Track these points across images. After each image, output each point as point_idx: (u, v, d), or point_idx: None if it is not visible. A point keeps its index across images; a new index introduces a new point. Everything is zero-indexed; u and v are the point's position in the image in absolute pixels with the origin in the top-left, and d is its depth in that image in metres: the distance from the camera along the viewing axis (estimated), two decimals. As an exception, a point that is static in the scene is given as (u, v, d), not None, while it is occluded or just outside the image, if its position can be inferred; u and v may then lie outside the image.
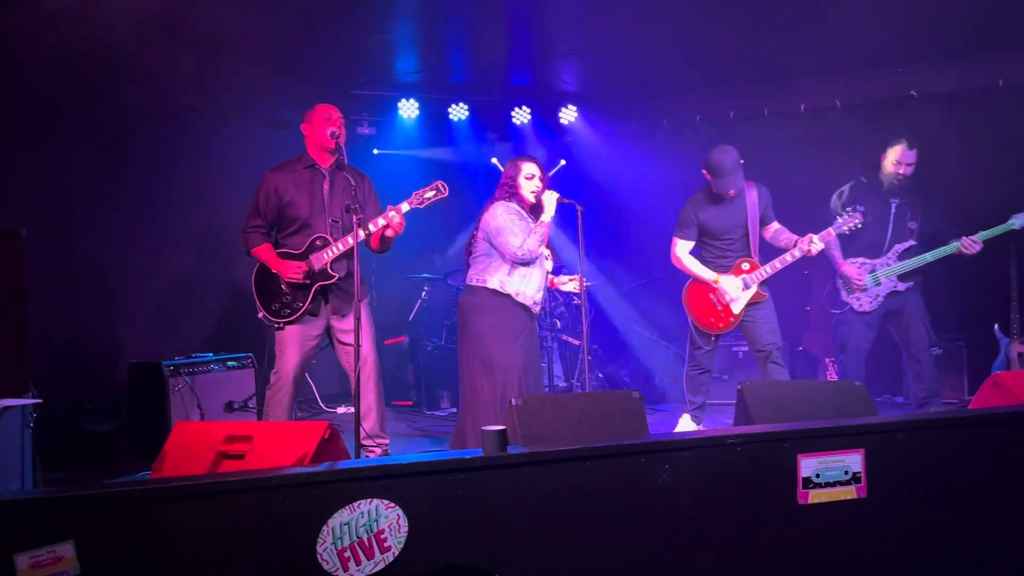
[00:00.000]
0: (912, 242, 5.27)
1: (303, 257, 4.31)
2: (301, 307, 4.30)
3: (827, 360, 5.93)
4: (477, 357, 4.28)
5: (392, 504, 2.07)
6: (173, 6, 5.41)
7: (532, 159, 4.51)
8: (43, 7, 4.91)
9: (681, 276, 5.25)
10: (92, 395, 5.39)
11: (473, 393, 4.26)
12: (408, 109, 7.85)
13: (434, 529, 2.12)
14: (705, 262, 5.11)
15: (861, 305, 5.29)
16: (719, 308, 5.02)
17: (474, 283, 4.37)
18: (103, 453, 5.10)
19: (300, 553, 1.99)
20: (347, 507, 2.03)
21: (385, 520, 2.06)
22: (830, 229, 4.97)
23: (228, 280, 6.50)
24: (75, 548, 1.85)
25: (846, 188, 5.42)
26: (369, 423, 4.35)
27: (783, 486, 2.44)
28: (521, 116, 8.08)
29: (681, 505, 2.36)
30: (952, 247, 5.12)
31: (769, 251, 5.12)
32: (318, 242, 4.32)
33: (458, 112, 7.96)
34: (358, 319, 3.85)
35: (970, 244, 5.06)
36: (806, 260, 5.09)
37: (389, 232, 4.29)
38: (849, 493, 2.48)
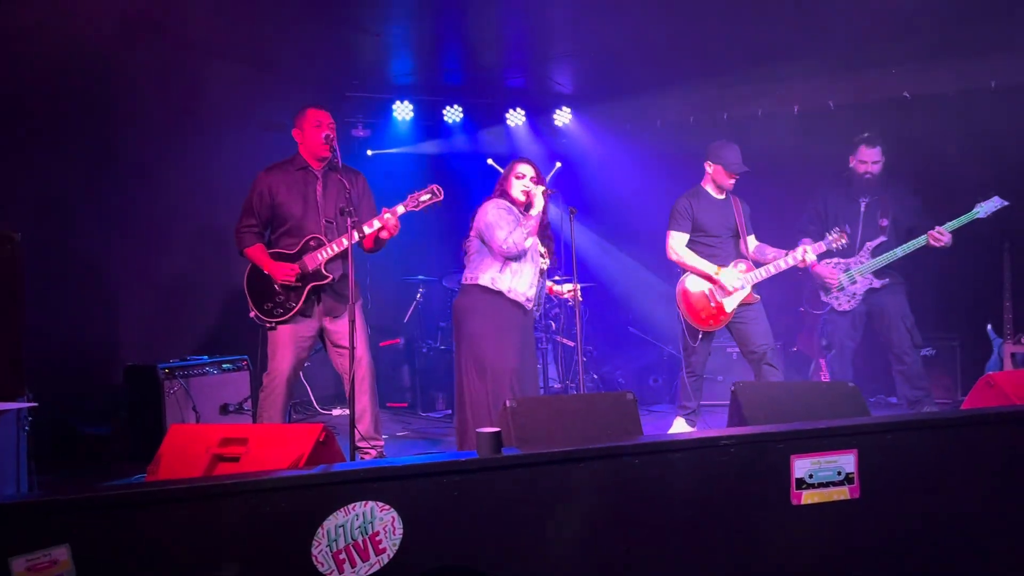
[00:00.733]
0: (883, 238, 5.31)
1: (297, 258, 4.31)
2: (294, 307, 4.30)
3: (820, 361, 5.94)
4: (471, 359, 4.29)
5: (387, 506, 2.07)
6: (166, 9, 5.42)
7: (527, 160, 4.54)
8: (35, 11, 4.91)
9: (674, 276, 5.24)
10: (87, 398, 5.39)
11: (469, 395, 4.27)
12: (402, 111, 7.86)
13: (429, 531, 2.12)
14: None
15: (840, 304, 5.34)
16: (712, 305, 5.02)
17: (467, 281, 4.39)
18: (98, 456, 5.10)
19: (295, 555, 2.00)
20: (342, 509, 2.03)
21: (380, 522, 2.07)
22: (821, 244, 5.05)
23: (223, 282, 6.48)
24: (71, 551, 1.85)
25: (818, 194, 5.53)
26: (364, 425, 4.35)
27: (777, 487, 2.45)
28: (515, 118, 8.09)
29: (675, 506, 2.37)
30: (921, 240, 5.16)
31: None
32: (312, 243, 4.32)
33: (452, 114, 7.97)
34: (352, 321, 3.85)
35: (938, 236, 5.10)
36: (803, 266, 5.12)
37: (384, 234, 4.30)
38: (842, 493, 2.50)
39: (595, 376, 7.19)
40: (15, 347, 3.78)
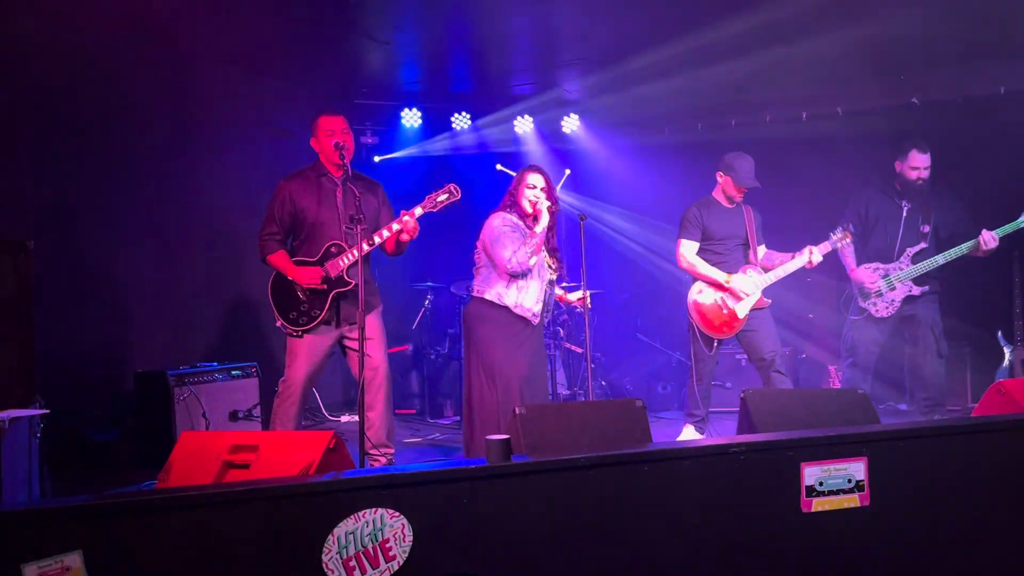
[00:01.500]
0: (924, 245, 5.25)
1: (319, 264, 4.33)
2: (319, 315, 4.30)
3: (831, 367, 5.92)
4: (480, 366, 4.30)
5: (397, 513, 2.08)
6: (174, 17, 5.45)
7: (538, 170, 4.53)
8: (44, 18, 4.95)
9: (683, 283, 5.23)
10: (98, 404, 5.42)
11: (478, 402, 4.28)
12: (411, 118, 7.89)
13: (439, 538, 2.12)
14: None
15: (878, 311, 5.28)
16: (724, 312, 5.01)
17: (475, 294, 4.42)
18: (108, 462, 5.13)
19: (306, 563, 2.00)
20: (352, 516, 2.04)
21: (390, 529, 2.07)
22: (826, 244, 5.01)
23: (233, 289, 6.52)
24: (83, 558, 1.86)
25: (860, 194, 5.44)
26: (377, 433, 4.35)
27: (787, 495, 2.44)
28: (523, 125, 8.11)
29: (685, 514, 2.37)
30: (969, 245, 5.10)
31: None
32: (333, 249, 4.33)
33: (460, 121, 8.00)
34: (362, 328, 3.85)
35: (989, 239, 5.05)
36: (810, 268, 5.10)
37: (404, 236, 4.31)
38: (852, 501, 2.49)
39: (603, 383, 7.18)
40: (26, 354, 3.80)
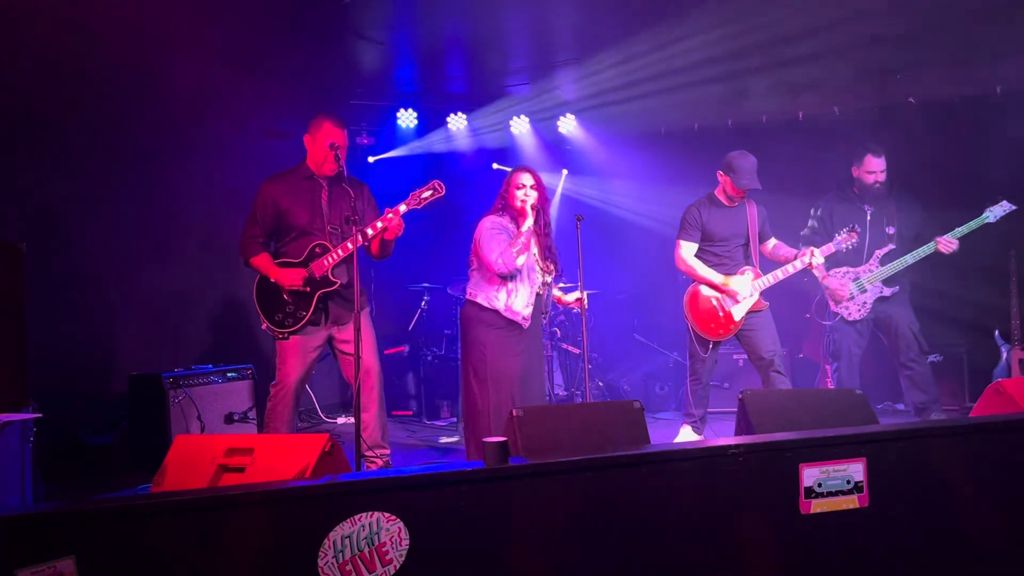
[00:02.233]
0: (891, 246, 5.29)
1: (303, 265, 4.31)
2: (304, 316, 4.30)
3: (827, 367, 5.91)
4: (474, 367, 4.32)
5: (393, 517, 2.06)
6: (170, 15, 5.43)
7: (527, 169, 4.53)
8: (37, 19, 4.92)
9: (680, 283, 5.22)
10: (92, 408, 5.39)
11: (473, 404, 4.29)
12: (407, 119, 7.88)
13: (436, 541, 2.11)
14: None
15: (850, 314, 5.31)
16: (720, 315, 5.00)
17: (468, 297, 4.47)
18: (103, 466, 5.09)
19: (302, 567, 1.98)
20: (348, 520, 2.02)
21: (387, 533, 2.05)
22: (829, 245, 5.02)
23: (227, 291, 6.49)
24: (76, 563, 1.84)
25: (821, 203, 5.52)
26: (370, 434, 4.34)
27: (785, 496, 2.43)
28: (520, 125, 8.09)
29: (684, 515, 2.36)
30: (930, 247, 5.15)
31: (767, 267, 5.13)
32: (317, 249, 4.32)
33: (456, 122, 7.98)
34: (358, 330, 3.84)
35: (946, 243, 5.10)
36: (811, 269, 5.11)
37: (388, 234, 4.30)
38: (851, 502, 2.48)
39: (600, 383, 7.17)
40: (19, 358, 3.77)
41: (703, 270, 5.03)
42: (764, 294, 5.03)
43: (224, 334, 6.43)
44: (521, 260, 4.31)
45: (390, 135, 8.01)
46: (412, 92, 7.71)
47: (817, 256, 4.91)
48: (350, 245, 4.20)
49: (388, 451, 4.50)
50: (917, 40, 6.02)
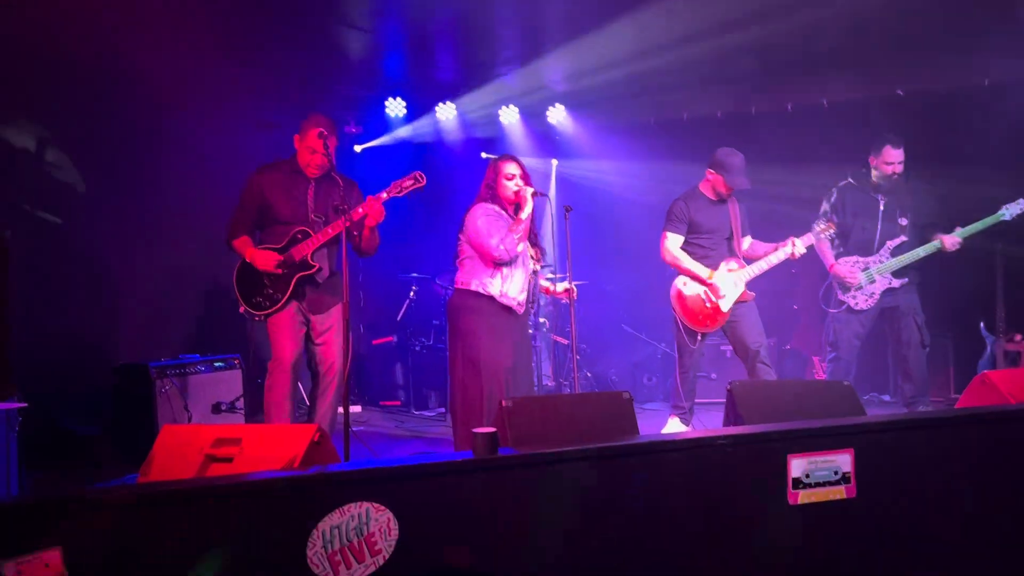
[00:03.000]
0: (903, 238, 5.28)
1: (284, 251, 4.34)
2: (280, 299, 4.32)
3: (815, 359, 5.94)
4: (464, 357, 4.28)
5: (382, 507, 2.05)
6: (156, 5, 5.37)
7: (512, 158, 4.51)
8: (25, 10, 4.87)
9: (668, 274, 5.22)
10: (78, 397, 5.35)
11: (464, 394, 4.26)
12: (395, 108, 7.84)
13: (425, 532, 2.10)
14: None
15: (858, 303, 5.29)
16: (708, 306, 5.01)
17: (459, 285, 4.40)
18: (89, 456, 5.07)
19: (290, 558, 1.97)
20: (337, 511, 2.01)
21: (375, 523, 2.05)
22: (809, 235, 5.03)
23: (214, 280, 6.45)
24: (63, 554, 1.82)
25: (835, 190, 5.45)
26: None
27: (773, 486, 2.44)
28: (509, 115, 8.07)
29: (672, 506, 2.36)
30: (935, 244, 5.15)
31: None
32: (299, 235, 4.34)
33: (445, 111, 7.95)
34: (347, 321, 3.83)
35: (950, 243, 5.11)
36: (793, 260, 5.12)
37: (370, 220, 4.28)
38: (839, 493, 2.49)
39: (588, 374, 7.19)
40: (3, 347, 3.75)
41: (688, 263, 5.04)
42: (750, 285, 5.04)
43: (212, 324, 6.40)
44: (521, 247, 4.31)
45: (378, 124, 7.97)
46: (401, 81, 7.67)
47: (799, 246, 4.92)
48: (331, 230, 4.24)
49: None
50: (910, 30, 6.02)
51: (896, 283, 5.26)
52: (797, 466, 2.46)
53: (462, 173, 7.34)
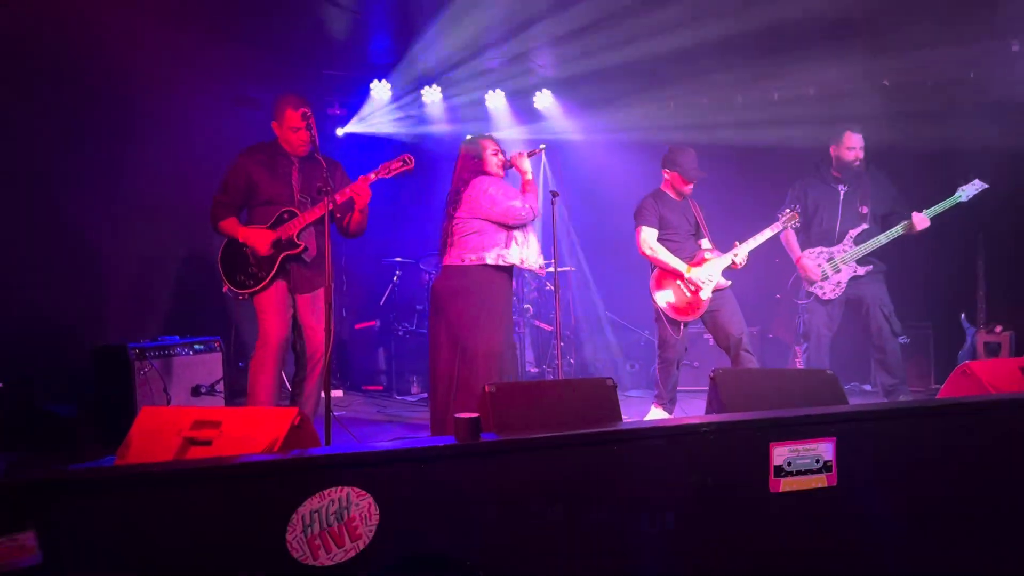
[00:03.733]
0: (865, 226, 5.33)
1: (271, 229, 4.30)
2: (265, 277, 4.28)
3: (796, 347, 5.97)
4: (453, 342, 4.24)
5: (363, 492, 2.04)
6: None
7: (488, 136, 4.60)
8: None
9: (649, 264, 5.22)
10: (55, 378, 5.29)
11: (446, 379, 4.23)
12: (380, 91, 7.77)
13: (406, 517, 2.09)
14: None
15: (824, 293, 5.34)
16: (688, 296, 5.03)
17: (467, 262, 4.30)
18: (66, 438, 5.00)
19: (269, 542, 1.95)
20: (317, 495, 1.99)
21: (356, 508, 2.03)
22: (776, 224, 5.14)
23: (194, 261, 6.40)
24: (37, 536, 1.80)
25: (797, 182, 5.54)
26: (307, 409, 4.34)
27: (755, 474, 2.44)
28: (495, 100, 8.02)
29: (654, 493, 2.36)
30: (903, 226, 5.18)
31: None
32: (286, 215, 4.31)
33: (431, 94, 7.89)
34: (329, 304, 3.80)
35: (919, 222, 5.13)
36: (776, 248, 5.15)
37: (359, 202, 4.27)
38: (820, 481, 2.50)
39: (571, 360, 7.19)
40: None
41: (666, 255, 5.08)
42: (727, 274, 5.08)
43: (192, 305, 6.33)
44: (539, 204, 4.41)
45: (363, 107, 7.90)
46: (386, 64, 7.60)
47: (741, 254, 4.97)
48: (317, 210, 4.21)
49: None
50: (892, 21, 6.03)
51: (861, 271, 5.29)
52: (779, 454, 2.46)
53: (447, 157, 7.29)
